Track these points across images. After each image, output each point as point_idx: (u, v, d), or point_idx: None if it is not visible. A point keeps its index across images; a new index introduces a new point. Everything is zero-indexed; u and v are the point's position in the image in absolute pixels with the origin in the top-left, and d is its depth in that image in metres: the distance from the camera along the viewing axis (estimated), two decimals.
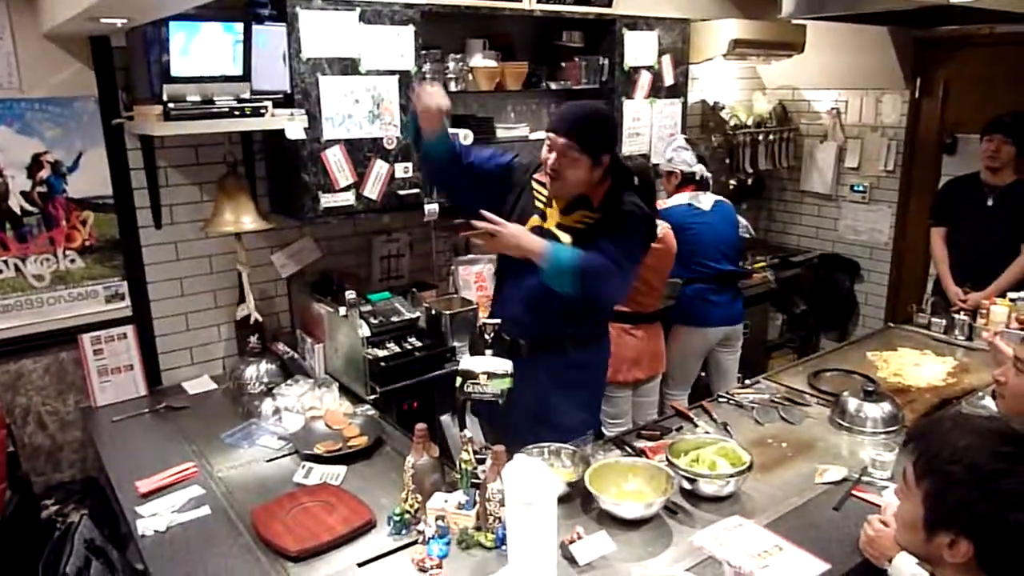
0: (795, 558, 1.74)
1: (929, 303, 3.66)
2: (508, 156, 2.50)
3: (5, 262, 2.61)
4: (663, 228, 3.04)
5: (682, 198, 3.48)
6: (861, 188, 4.95)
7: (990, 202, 3.72)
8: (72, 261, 2.72)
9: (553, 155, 2.21)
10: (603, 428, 3.06)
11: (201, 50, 2.37)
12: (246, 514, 2.00)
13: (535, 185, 2.39)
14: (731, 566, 1.67)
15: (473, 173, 2.42)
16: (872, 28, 4.39)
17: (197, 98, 2.41)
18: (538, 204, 2.36)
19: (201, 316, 3.03)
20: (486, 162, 2.45)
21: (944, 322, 3.31)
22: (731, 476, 1.97)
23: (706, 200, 3.48)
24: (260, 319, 2.88)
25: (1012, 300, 3.17)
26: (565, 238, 2.28)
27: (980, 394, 2.57)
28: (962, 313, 3.29)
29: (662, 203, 3.51)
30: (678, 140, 3.62)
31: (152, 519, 1.99)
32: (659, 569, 1.70)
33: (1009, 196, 3.68)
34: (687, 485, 2.00)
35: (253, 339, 2.91)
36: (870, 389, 2.45)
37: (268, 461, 2.34)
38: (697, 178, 3.49)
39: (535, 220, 2.35)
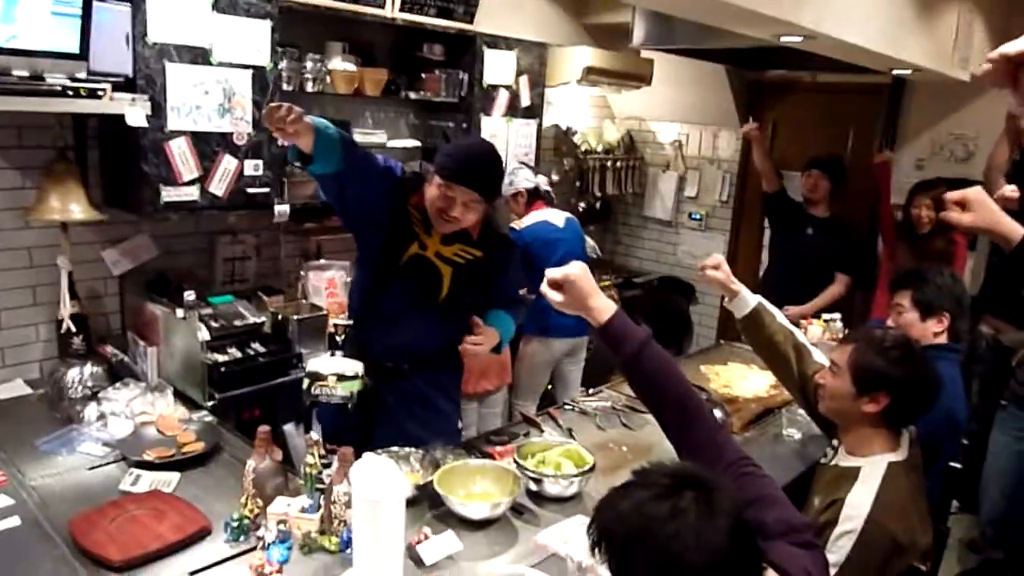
0: None
1: None
2: (398, 164, 2.34)
3: None
4: None
5: (536, 216, 3.58)
6: (698, 216, 5.30)
7: (809, 231, 4.11)
8: None
9: (455, 205, 2.13)
10: None
11: (31, 20, 2.18)
12: (63, 525, 1.83)
13: (411, 209, 2.26)
14: (574, 562, 1.71)
15: (365, 171, 2.20)
16: (712, 68, 4.75)
17: (25, 73, 2.21)
18: (415, 228, 2.26)
19: (16, 314, 2.76)
20: (379, 164, 2.25)
21: None
22: (575, 476, 2.04)
23: (558, 217, 3.60)
24: (74, 324, 2.64)
25: (826, 320, 3.48)
26: (445, 269, 2.26)
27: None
28: None
29: (518, 223, 3.60)
30: (512, 164, 3.74)
31: None
32: (504, 568, 1.72)
33: (826, 228, 4.09)
34: (533, 486, 2.04)
35: (77, 340, 2.69)
36: (704, 398, 2.60)
37: (90, 469, 2.16)
38: (541, 192, 3.60)
39: (414, 247, 2.25)
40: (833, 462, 2.03)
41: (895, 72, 4.00)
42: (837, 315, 3.54)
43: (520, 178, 3.60)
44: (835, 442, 2.08)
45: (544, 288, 1.72)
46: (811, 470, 2.22)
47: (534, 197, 3.61)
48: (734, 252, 5.21)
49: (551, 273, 1.70)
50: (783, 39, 2.98)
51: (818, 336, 3.39)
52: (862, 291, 4.26)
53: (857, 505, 1.79)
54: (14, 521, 1.85)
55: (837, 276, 4.09)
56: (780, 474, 2.22)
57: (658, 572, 1.13)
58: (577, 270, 1.67)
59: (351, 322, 2.16)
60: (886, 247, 4.13)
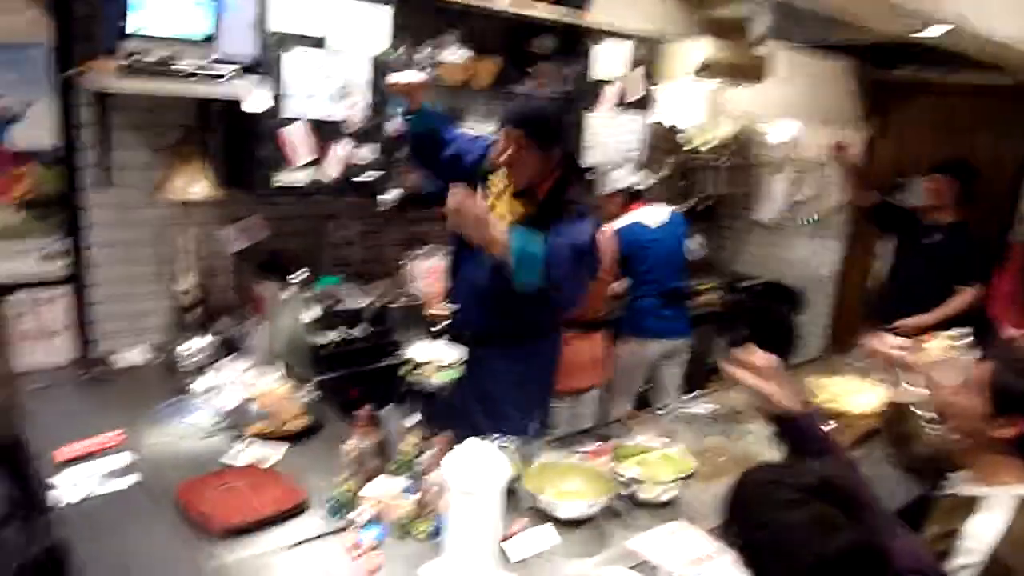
0: (730, 567, 1.74)
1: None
2: (486, 140, 2.56)
3: None
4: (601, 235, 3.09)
5: (630, 217, 3.51)
6: (811, 221, 5.07)
7: (929, 240, 3.85)
8: (9, 215, 2.58)
9: (506, 147, 2.31)
10: None
11: (166, 7, 2.29)
12: (172, 488, 1.91)
13: (490, 177, 2.45)
14: (666, 571, 1.66)
15: (453, 151, 2.53)
16: (835, 65, 4.53)
17: (158, 56, 2.32)
18: (492, 188, 2.44)
19: (141, 286, 2.91)
20: (468, 142, 2.56)
21: None
22: (673, 482, 1.98)
23: (654, 216, 3.52)
24: (193, 298, 2.78)
25: (951, 336, 3.25)
26: None
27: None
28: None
29: (610, 227, 3.53)
30: (610, 163, 3.68)
31: (70, 488, 1.89)
32: (601, 569, 1.68)
33: (953, 237, 3.81)
34: (628, 489, 1.99)
35: (193, 314, 2.82)
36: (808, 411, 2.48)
37: (199, 438, 2.25)
38: (636, 192, 3.53)
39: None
40: (951, 491, 1.88)
41: None
42: (964, 329, 3.29)
43: (612, 179, 3.54)
44: (949, 475, 1.93)
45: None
46: (923, 499, 2.07)
47: (631, 198, 3.54)
48: (848, 260, 4.96)
49: None
50: (919, 34, 2.79)
51: (937, 355, 3.18)
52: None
53: (978, 537, 1.66)
54: (130, 481, 1.96)
55: (961, 287, 3.80)
56: (889, 500, 2.09)
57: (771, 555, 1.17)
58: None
59: (456, 307, 2.17)
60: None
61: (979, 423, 1.77)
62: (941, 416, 1.95)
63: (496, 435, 2.13)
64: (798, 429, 1.65)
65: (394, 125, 2.97)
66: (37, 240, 2.65)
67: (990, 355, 1.92)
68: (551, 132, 2.35)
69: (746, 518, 1.26)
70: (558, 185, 2.39)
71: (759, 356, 1.70)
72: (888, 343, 2.22)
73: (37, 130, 2.57)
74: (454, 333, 2.40)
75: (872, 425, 2.68)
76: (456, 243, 2.53)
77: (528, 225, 2.28)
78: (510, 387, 2.43)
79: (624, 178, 3.55)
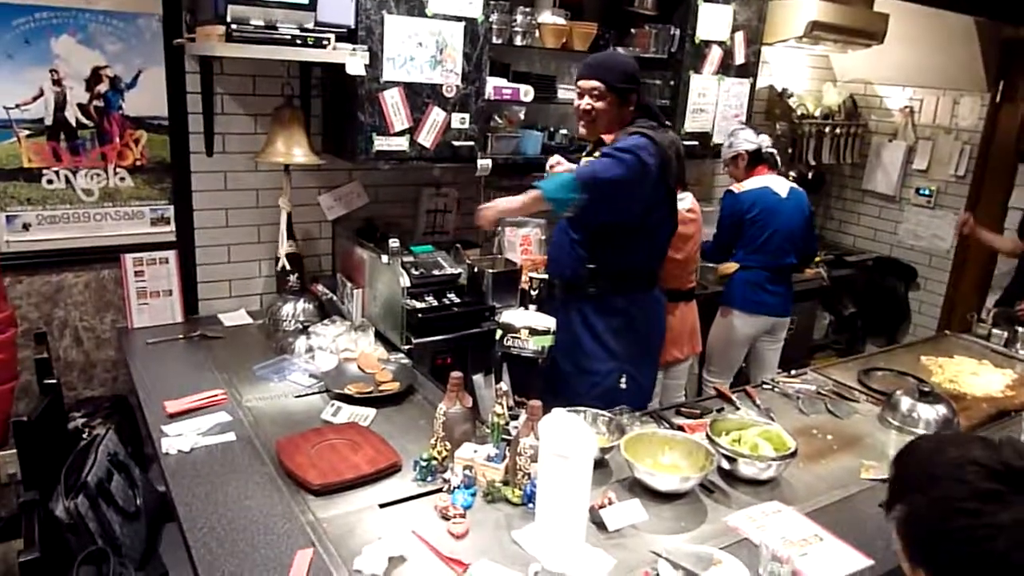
0: (836, 550, 1.65)
1: (991, 314, 3.49)
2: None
3: (56, 173, 2.59)
4: (689, 199, 2.99)
5: (757, 181, 3.36)
6: (927, 192, 4.75)
7: None
8: (122, 179, 2.70)
9: (584, 99, 2.41)
10: None
11: None
12: (271, 445, 1.96)
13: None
14: (769, 550, 1.58)
15: None
16: (958, 24, 4.18)
17: (260, 23, 2.36)
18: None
19: (243, 249, 3.00)
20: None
21: (1005, 334, 3.15)
22: (774, 460, 1.88)
23: (782, 185, 3.37)
24: (290, 263, 2.84)
25: None
26: None
27: None
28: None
29: (737, 187, 3.40)
30: (732, 125, 3.52)
31: (177, 439, 1.97)
32: (692, 546, 1.62)
33: None
34: (726, 465, 1.92)
35: (293, 278, 2.89)
36: (926, 390, 2.33)
37: (297, 397, 2.31)
38: (764, 155, 3.37)
39: None
40: None
41: None
42: None
43: (741, 139, 3.39)
44: None
45: None
46: None
47: (756, 161, 3.38)
48: (967, 235, 4.62)
49: None
50: None
51: None
52: None
53: None
54: (231, 436, 2.02)
55: None
56: None
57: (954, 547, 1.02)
58: None
59: (545, 276, 2.13)
60: None
61: None
62: None
63: (586, 393, 2.09)
64: None
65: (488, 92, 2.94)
66: (147, 204, 2.76)
67: None
68: (627, 79, 2.39)
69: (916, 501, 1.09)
70: (623, 126, 2.42)
71: None
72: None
73: (147, 97, 2.67)
74: (548, 288, 2.43)
75: (995, 409, 2.49)
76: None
77: None
78: (600, 339, 2.45)
79: (751, 139, 3.39)
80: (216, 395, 2.24)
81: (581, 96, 2.43)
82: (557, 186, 2.30)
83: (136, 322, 2.76)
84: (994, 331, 3.19)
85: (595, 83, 2.39)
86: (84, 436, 2.41)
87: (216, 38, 2.32)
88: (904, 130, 4.80)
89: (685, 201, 2.91)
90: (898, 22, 4.16)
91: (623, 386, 2.45)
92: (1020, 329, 3.12)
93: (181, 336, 2.71)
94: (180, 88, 2.71)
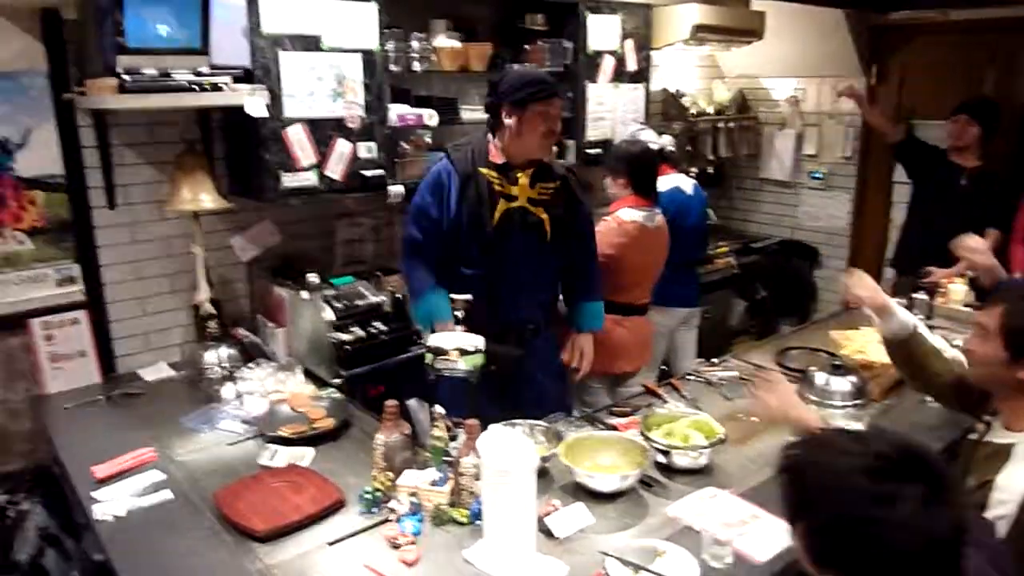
0: (772, 526, 1.73)
1: (890, 285, 3.71)
2: (436, 172, 2.51)
3: None
4: (659, 218, 3.06)
5: (667, 181, 3.44)
6: (819, 175, 5.02)
7: (963, 182, 3.78)
8: (21, 243, 2.60)
9: (557, 119, 2.40)
10: None
11: (157, 21, 2.28)
12: (209, 498, 1.93)
13: (484, 172, 2.42)
14: (709, 534, 1.66)
15: (442, 236, 2.49)
16: (829, 15, 4.45)
17: (154, 71, 2.32)
18: (497, 188, 2.43)
19: (158, 301, 2.93)
20: (434, 215, 2.48)
21: (904, 302, 3.35)
22: (705, 448, 1.97)
23: (687, 184, 3.49)
24: (211, 308, 2.78)
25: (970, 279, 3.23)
26: (542, 215, 2.47)
27: None
28: (921, 292, 3.34)
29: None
30: (633, 126, 3.62)
31: (110, 504, 1.91)
32: (638, 541, 1.68)
33: (980, 181, 3.75)
34: (661, 458, 1.99)
35: (212, 324, 2.83)
36: (837, 364, 2.48)
37: (231, 444, 2.27)
38: (666, 155, 3.48)
39: (503, 204, 2.43)
40: (986, 438, 1.84)
41: None
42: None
43: (643, 140, 3.47)
44: (986, 417, 1.89)
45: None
46: (960, 440, 2.05)
47: (660, 160, 3.49)
48: (860, 212, 4.90)
49: None
50: None
51: (961, 298, 3.17)
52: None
53: (1009, 488, 1.63)
54: (167, 494, 1.97)
55: (988, 232, 3.71)
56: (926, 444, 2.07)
57: (864, 553, 1.07)
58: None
59: (469, 297, 2.16)
60: None
61: (999, 369, 1.72)
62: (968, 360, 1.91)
63: (519, 418, 2.14)
64: None
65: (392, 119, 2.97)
66: (51, 265, 2.67)
67: (998, 298, 1.82)
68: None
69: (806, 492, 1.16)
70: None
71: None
72: (866, 285, 2.17)
73: (40, 156, 2.58)
74: (515, 331, 2.50)
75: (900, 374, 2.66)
76: (494, 250, 2.47)
77: (553, 203, 2.49)
78: (559, 373, 2.64)
79: (654, 140, 3.42)
80: (145, 453, 2.18)
81: (552, 115, 2.37)
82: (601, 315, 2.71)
83: (51, 388, 2.66)
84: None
85: (561, 100, 2.43)
86: (9, 514, 2.31)
87: (109, 90, 2.27)
88: (792, 119, 5.06)
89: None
90: (774, 18, 4.40)
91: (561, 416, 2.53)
92: (915, 295, 3.33)
93: (101, 397, 2.62)
94: (74, 143, 2.64)
